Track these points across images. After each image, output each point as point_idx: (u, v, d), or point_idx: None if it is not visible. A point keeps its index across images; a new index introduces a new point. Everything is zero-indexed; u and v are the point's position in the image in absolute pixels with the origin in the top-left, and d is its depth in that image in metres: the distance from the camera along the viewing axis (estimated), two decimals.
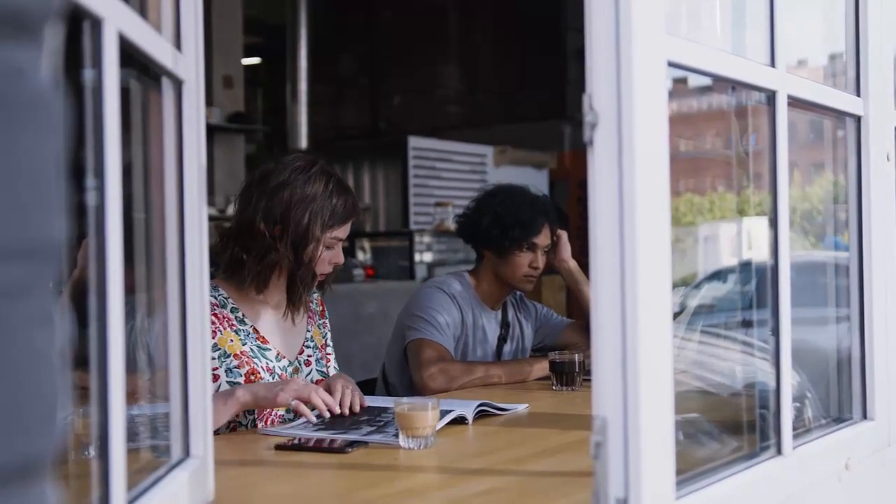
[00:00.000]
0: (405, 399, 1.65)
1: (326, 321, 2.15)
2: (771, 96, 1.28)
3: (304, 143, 7.36)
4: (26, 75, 0.49)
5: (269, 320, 1.99)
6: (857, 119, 1.55)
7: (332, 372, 2.10)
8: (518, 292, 2.64)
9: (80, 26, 0.78)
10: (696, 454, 1.27)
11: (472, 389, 2.27)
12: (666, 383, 1.00)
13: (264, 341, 1.95)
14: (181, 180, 1.12)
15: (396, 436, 1.59)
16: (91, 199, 0.79)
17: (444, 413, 1.72)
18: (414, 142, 6.79)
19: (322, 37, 8.05)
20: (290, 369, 1.98)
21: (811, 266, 1.68)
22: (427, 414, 1.56)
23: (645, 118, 0.96)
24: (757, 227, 1.44)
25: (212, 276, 1.92)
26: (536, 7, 7.71)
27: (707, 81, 1.32)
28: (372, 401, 1.98)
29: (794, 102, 1.32)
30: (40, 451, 0.49)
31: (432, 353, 2.34)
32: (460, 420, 1.78)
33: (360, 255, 6.32)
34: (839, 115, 1.56)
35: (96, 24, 0.79)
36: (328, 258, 1.95)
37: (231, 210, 5.07)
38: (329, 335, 2.14)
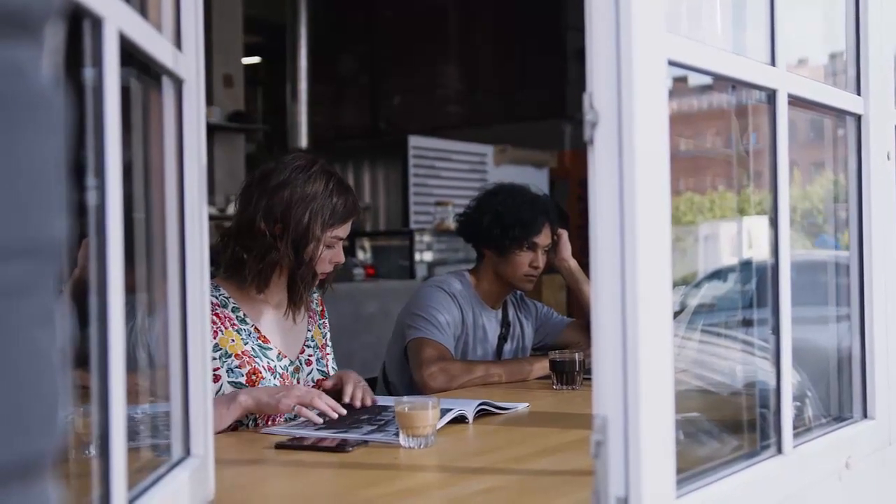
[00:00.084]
0: (405, 398, 1.65)
1: (326, 321, 2.15)
2: (771, 95, 1.28)
3: (304, 142, 7.36)
4: (27, 74, 0.49)
5: (270, 320, 1.99)
6: (858, 118, 1.55)
7: (331, 372, 2.10)
8: (518, 291, 2.64)
9: (80, 25, 0.78)
10: (697, 453, 1.27)
11: (472, 388, 2.27)
12: (666, 382, 1.00)
13: (266, 341, 1.95)
14: (181, 179, 1.12)
15: (397, 435, 1.59)
16: (91, 198, 0.79)
17: (444, 412, 1.72)
18: (414, 141, 6.79)
19: (322, 36, 8.05)
20: (291, 368, 1.98)
21: (811, 265, 1.68)
22: (427, 413, 1.56)
23: (645, 117, 0.96)
24: (757, 226, 1.44)
25: (212, 276, 1.92)
26: (536, 6, 7.71)
27: (707, 80, 1.32)
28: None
29: (795, 101, 1.32)
30: (41, 450, 0.49)
31: (432, 352, 2.34)
32: (461, 419, 1.78)
33: (361, 255, 6.32)
34: (839, 113, 1.56)
35: (97, 23, 0.79)
36: (329, 257, 1.95)
37: (231, 209, 5.08)
38: (328, 335, 2.14)
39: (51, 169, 0.51)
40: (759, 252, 1.41)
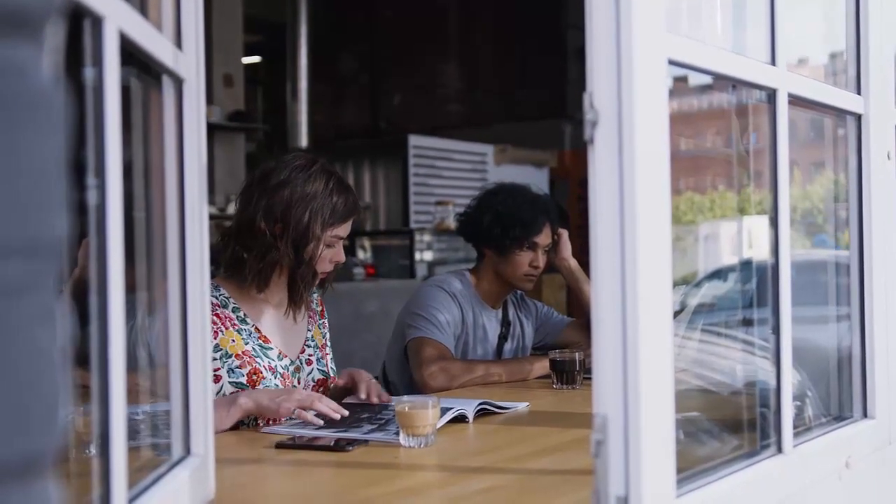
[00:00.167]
0: (406, 397, 1.65)
1: (326, 321, 2.15)
2: (771, 94, 1.28)
3: (304, 141, 7.36)
4: (28, 73, 0.49)
5: (270, 319, 1.99)
6: (858, 117, 1.55)
7: (331, 373, 2.10)
8: (519, 291, 2.64)
9: (80, 24, 0.78)
10: (697, 452, 1.27)
11: (472, 388, 2.27)
12: (666, 382, 1.00)
13: (266, 340, 1.95)
14: (181, 179, 1.12)
15: (397, 434, 1.59)
16: (92, 197, 0.79)
17: (444, 411, 1.72)
18: (414, 140, 6.79)
19: (322, 35, 8.05)
20: (291, 368, 1.98)
21: (811, 265, 1.68)
22: (427, 412, 1.56)
23: (645, 116, 0.96)
24: (757, 225, 1.44)
25: (212, 276, 1.92)
26: (537, 5, 7.71)
27: (708, 80, 1.32)
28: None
29: (795, 101, 1.32)
30: (42, 448, 0.49)
31: (433, 352, 2.34)
32: (461, 418, 1.78)
33: (361, 254, 6.32)
34: (840, 113, 1.56)
35: (97, 22, 0.79)
36: (329, 256, 1.95)
37: (231, 209, 5.09)
38: (328, 335, 2.14)
39: (51, 168, 0.51)
40: (760, 252, 1.41)
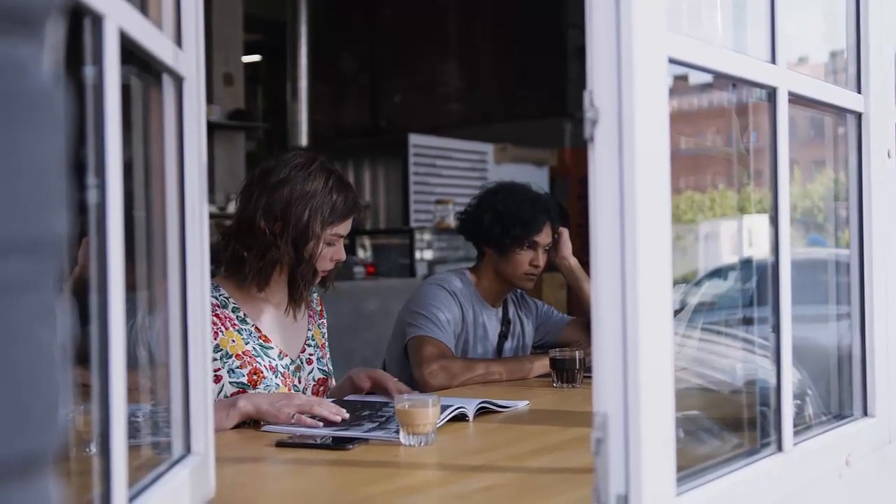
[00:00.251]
0: (406, 396, 1.65)
1: (325, 321, 2.15)
2: (772, 93, 1.28)
3: (304, 140, 7.36)
4: (28, 71, 0.49)
5: (270, 319, 1.99)
6: (858, 116, 1.55)
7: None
8: (519, 289, 2.64)
9: (80, 23, 0.78)
10: (697, 451, 1.27)
11: (472, 386, 2.27)
12: (666, 380, 1.00)
13: (266, 340, 1.95)
14: (182, 178, 1.12)
15: (397, 432, 1.59)
16: (92, 196, 0.79)
17: (444, 410, 1.72)
18: (414, 139, 6.79)
19: (322, 34, 8.05)
20: (292, 368, 1.98)
21: (811, 263, 1.67)
22: (428, 411, 1.56)
23: (646, 115, 0.96)
24: (757, 224, 1.44)
25: (213, 275, 1.92)
26: (537, 4, 7.71)
27: (708, 78, 1.32)
28: (372, 398, 1.98)
29: (795, 99, 1.32)
30: (42, 446, 0.49)
31: (433, 350, 2.34)
32: (461, 417, 1.78)
33: (361, 253, 6.32)
34: (840, 111, 1.56)
35: (97, 20, 0.79)
36: (329, 255, 1.95)
37: (232, 208, 5.08)
38: (326, 334, 2.14)
39: (51, 166, 0.51)
40: (760, 250, 1.41)
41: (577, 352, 2.26)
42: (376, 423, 1.72)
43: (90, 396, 0.81)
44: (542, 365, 2.37)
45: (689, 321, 1.63)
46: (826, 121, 1.65)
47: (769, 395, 1.30)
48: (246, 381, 1.88)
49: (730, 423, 1.43)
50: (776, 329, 1.28)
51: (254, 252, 1.90)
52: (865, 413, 1.55)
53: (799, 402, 1.42)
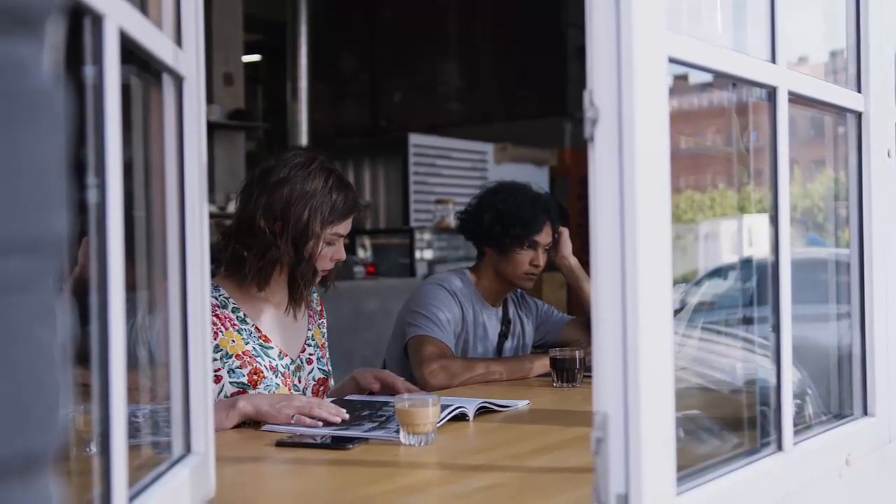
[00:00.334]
0: (406, 395, 1.65)
1: (325, 321, 2.15)
2: (772, 92, 1.28)
3: (304, 140, 7.36)
4: (28, 71, 0.49)
5: (270, 319, 1.98)
6: (858, 115, 1.55)
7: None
8: (519, 289, 2.64)
9: (80, 22, 0.78)
10: (697, 450, 1.27)
11: (472, 386, 2.27)
12: (666, 380, 1.00)
13: (266, 340, 1.95)
14: (182, 177, 1.12)
15: (397, 432, 1.59)
16: (92, 196, 0.79)
17: (444, 409, 1.72)
18: (414, 139, 6.80)
19: (322, 34, 8.05)
20: (292, 367, 1.98)
21: (812, 263, 1.68)
22: (428, 410, 1.57)
23: (646, 114, 0.96)
24: (758, 223, 1.44)
25: (213, 275, 1.91)
26: (537, 4, 7.71)
27: (708, 78, 1.32)
28: (372, 397, 1.98)
29: (795, 99, 1.32)
30: (42, 446, 0.49)
31: (433, 350, 2.34)
32: (461, 417, 1.78)
33: (361, 253, 6.32)
34: (840, 111, 1.56)
35: (97, 20, 0.79)
36: (329, 254, 1.95)
37: (232, 207, 5.09)
38: (326, 334, 2.14)
39: (52, 166, 0.51)
40: (760, 250, 1.41)
41: (577, 351, 2.26)
42: (376, 423, 1.72)
43: (90, 396, 0.81)
44: (542, 364, 2.37)
45: (690, 321, 1.63)
46: (826, 120, 1.65)
47: (769, 394, 1.30)
48: (246, 381, 1.88)
49: (730, 422, 1.43)
50: (776, 328, 1.28)
51: (254, 252, 1.90)
52: (865, 412, 1.55)
53: (799, 401, 1.42)
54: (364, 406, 1.86)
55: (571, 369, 2.24)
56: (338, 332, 2.24)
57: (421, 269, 6.06)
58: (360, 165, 7.33)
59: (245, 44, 6.99)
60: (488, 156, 7.07)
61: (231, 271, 1.96)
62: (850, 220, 1.57)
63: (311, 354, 2.04)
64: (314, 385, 2.03)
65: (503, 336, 2.60)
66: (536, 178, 6.47)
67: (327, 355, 2.12)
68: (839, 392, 1.60)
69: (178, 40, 1.10)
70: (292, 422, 1.70)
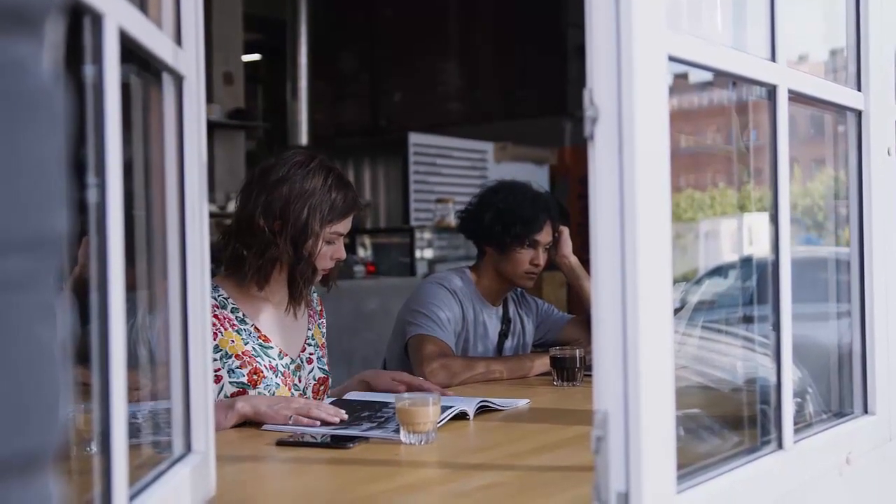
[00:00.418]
0: (406, 394, 1.65)
1: (324, 321, 2.15)
2: (772, 91, 1.28)
3: (304, 139, 7.36)
4: (28, 70, 0.49)
5: (270, 318, 1.98)
6: (858, 114, 1.55)
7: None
8: (519, 288, 2.64)
9: (80, 21, 0.78)
10: (698, 449, 1.27)
11: (472, 385, 2.27)
12: (667, 378, 1.00)
13: (266, 339, 1.95)
14: (182, 177, 1.12)
15: (397, 431, 1.59)
16: (92, 195, 0.79)
17: (444, 409, 1.72)
18: (414, 138, 6.80)
19: (322, 33, 8.05)
20: (292, 367, 1.98)
21: (812, 262, 1.68)
22: (428, 409, 1.57)
23: (646, 113, 0.96)
24: (758, 222, 1.44)
25: (213, 275, 1.91)
26: (537, 4, 7.71)
27: (708, 77, 1.32)
28: (373, 396, 1.98)
29: (795, 97, 1.32)
30: (42, 445, 0.49)
31: (433, 349, 2.34)
32: (461, 415, 1.78)
33: (361, 252, 6.32)
34: (840, 109, 1.56)
35: (97, 19, 0.79)
36: (329, 253, 1.95)
37: (232, 207, 5.09)
38: (325, 334, 2.14)
39: (52, 165, 0.51)
40: (760, 248, 1.41)
41: (577, 350, 2.26)
42: (375, 423, 1.72)
43: (90, 395, 0.81)
44: (542, 363, 2.38)
45: (690, 319, 1.63)
46: (826, 119, 1.65)
47: (769, 393, 1.30)
48: (246, 381, 1.88)
49: (730, 421, 1.43)
50: (776, 327, 1.28)
51: (253, 251, 1.90)
52: (866, 411, 1.55)
53: (799, 399, 1.42)
54: (363, 407, 1.86)
55: (572, 368, 2.24)
56: (338, 331, 2.24)
57: (421, 269, 6.06)
58: (360, 165, 7.33)
59: (245, 43, 6.99)
60: (488, 155, 7.07)
61: (231, 271, 1.96)
62: (850, 219, 1.57)
63: (311, 354, 2.04)
64: (314, 385, 2.03)
65: (503, 335, 2.60)
66: (536, 177, 6.47)
67: (325, 356, 2.12)
68: (839, 390, 1.60)
69: (178, 39, 1.10)
70: (290, 422, 1.70)
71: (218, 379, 1.85)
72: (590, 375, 2.03)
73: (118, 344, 0.81)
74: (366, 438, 1.61)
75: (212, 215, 4.93)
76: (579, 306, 2.84)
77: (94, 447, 0.85)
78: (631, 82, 0.94)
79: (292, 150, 2.13)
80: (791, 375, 1.28)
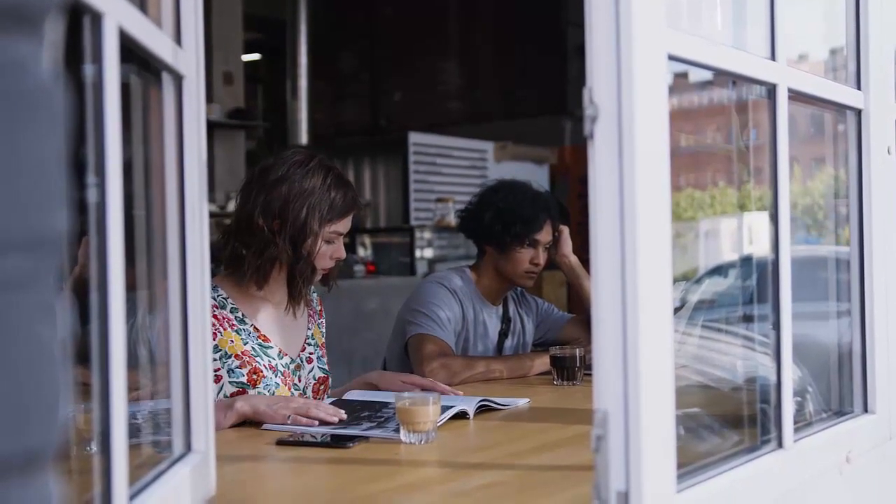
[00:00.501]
0: (406, 394, 1.65)
1: (324, 321, 2.15)
2: (771, 90, 1.28)
3: (304, 139, 7.36)
4: (28, 69, 0.49)
5: (269, 318, 1.98)
6: (858, 112, 1.55)
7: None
8: (519, 287, 2.65)
9: (80, 21, 0.78)
10: (697, 448, 1.27)
11: (473, 384, 2.27)
12: (667, 378, 1.00)
13: (265, 339, 1.95)
14: (181, 176, 1.12)
15: (397, 431, 1.59)
16: (92, 195, 0.79)
17: (444, 408, 1.72)
18: (414, 138, 6.79)
19: (322, 33, 8.05)
20: (292, 367, 1.98)
21: (812, 261, 1.68)
22: (428, 409, 1.57)
23: (645, 112, 0.96)
24: (758, 221, 1.44)
25: (212, 275, 1.91)
26: (537, 3, 7.71)
27: (708, 76, 1.32)
28: (373, 396, 1.98)
29: (795, 96, 1.32)
30: (42, 444, 0.49)
31: (433, 348, 2.34)
32: (461, 415, 1.78)
33: (361, 251, 6.32)
34: (840, 108, 1.56)
35: (96, 18, 0.79)
36: (329, 253, 1.95)
37: (232, 207, 5.09)
38: (325, 334, 2.14)
39: (51, 164, 0.51)
40: (760, 247, 1.41)
41: (577, 349, 2.26)
42: (374, 423, 1.72)
43: (91, 395, 0.81)
44: (542, 363, 2.38)
45: (690, 318, 1.63)
46: (826, 117, 1.65)
47: (769, 392, 1.30)
48: (246, 381, 1.88)
49: (730, 420, 1.43)
50: (776, 326, 1.28)
51: (252, 250, 1.90)
52: (866, 410, 1.55)
53: (799, 398, 1.42)
54: (363, 407, 1.86)
55: (572, 367, 2.24)
56: (338, 331, 2.24)
57: (421, 268, 6.05)
58: (361, 164, 7.33)
59: (245, 43, 6.99)
60: (488, 154, 7.07)
61: (230, 270, 1.96)
62: (850, 218, 1.57)
63: (311, 353, 2.04)
64: (315, 384, 2.03)
65: (503, 334, 2.60)
66: (536, 176, 6.47)
67: (325, 356, 2.12)
68: (839, 389, 1.60)
69: (178, 39, 1.10)
70: (288, 422, 1.71)
71: (217, 379, 1.85)
72: (590, 374, 2.03)
73: (118, 344, 0.81)
74: (366, 438, 1.61)
75: (212, 215, 4.93)
76: (579, 305, 2.84)
77: (94, 447, 0.85)
78: (631, 81, 0.94)
79: (292, 149, 2.12)
80: (791, 374, 1.28)
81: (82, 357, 0.77)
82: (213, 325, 1.87)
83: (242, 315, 1.94)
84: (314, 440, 1.61)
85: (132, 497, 0.87)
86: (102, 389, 0.80)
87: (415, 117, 8.00)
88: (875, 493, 1.59)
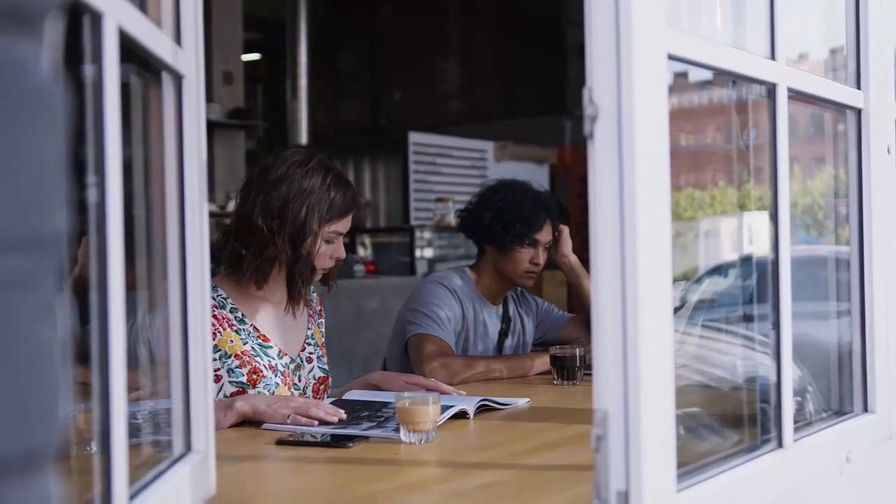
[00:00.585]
0: (406, 394, 1.65)
1: (324, 321, 2.15)
2: (771, 89, 1.28)
3: (304, 139, 7.36)
4: (28, 69, 0.49)
5: (269, 318, 1.98)
6: (858, 112, 1.55)
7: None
8: (519, 287, 2.65)
9: (80, 21, 0.78)
10: (698, 448, 1.27)
11: (473, 384, 2.27)
12: (667, 377, 1.00)
13: (265, 339, 1.95)
14: (181, 176, 1.12)
15: (397, 431, 1.59)
16: (92, 195, 0.79)
17: (444, 408, 1.72)
18: (414, 137, 6.79)
19: (322, 33, 8.05)
20: (292, 366, 1.98)
21: (812, 260, 1.68)
22: (428, 408, 1.57)
23: (645, 111, 0.96)
24: (758, 221, 1.44)
25: (212, 275, 1.91)
26: (537, 3, 7.71)
27: (708, 75, 1.32)
28: (373, 395, 1.98)
29: (795, 95, 1.32)
30: (42, 442, 0.49)
31: (433, 348, 2.34)
32: (461, 414, 1.78)
33: (361, 251, 6.32)
34: (840, 107, 1.56)
35: (96, 18, 0.79)
36: (329, 253, 1.95)
37: (231, 206, 5.09)
38: (324, 334, 2.14)
39: (51, 164, 0.51)
40: (760, 247, 1.41)
41: (577, 349, 2.26)
42: (374, 423, 1.72)
43: (91, 395, 0.81)
44: (542, 362, 2.38)
45: (690, 318, 1.63)
46: (826, 117, 1.65)
47: (769, 391, 1.30)
48: (245, 381, 1.88)
49: (730, 419, 1.43)
50: (776, 326, 1.28)
51: (252, 250, 1.90)
52: (866, 409, 1.55)
53: (799, 398, 1.42)
54: (363, 406, 1.86)
55: (572, 367, 2.24)
56: (338, 331, 2.24)
57: (421, 268, 6.06)
58: (361, 164, 7.33)
59: (245, 42, 6.99)
60: (488, 154, 7.07)
61: (230, 270, 1.96)
62: (850, 217, 1.57)
63: (310, 353, 2.04)
64: (315, 384, 2.03)
65: (503, 334, 2.60)
66: (536, 176, 6.47)
67: (324, 356, 2.12)
68: (839, 389, 1.60)
69: (178, 39, 1.10)
70: (288, 421, 1.71)
71: (217, 379, 1.85)
72: (590, 374, 2.03)
73: (118, 344, 0.81)
74: (366, 437, 1.61)
75: (212, 215, 4.93)
76: (579, 305, 2.84)
77: (94, 447, 0.85)
78: (631, 81, 0.94)
79: (291, 149, 2.12)
80: (791, 374, 1.28)
81: (82, 357, 0.77)
82: (213, 324, 1.87)
83: (242, 315, 1.94)
84: (314, 440, 1.61)
85: (132, 497, 0.87)
86: (102, 389, 0.80)
87: (415, 117, 8.00)
88: (875, 493, 1.59)
